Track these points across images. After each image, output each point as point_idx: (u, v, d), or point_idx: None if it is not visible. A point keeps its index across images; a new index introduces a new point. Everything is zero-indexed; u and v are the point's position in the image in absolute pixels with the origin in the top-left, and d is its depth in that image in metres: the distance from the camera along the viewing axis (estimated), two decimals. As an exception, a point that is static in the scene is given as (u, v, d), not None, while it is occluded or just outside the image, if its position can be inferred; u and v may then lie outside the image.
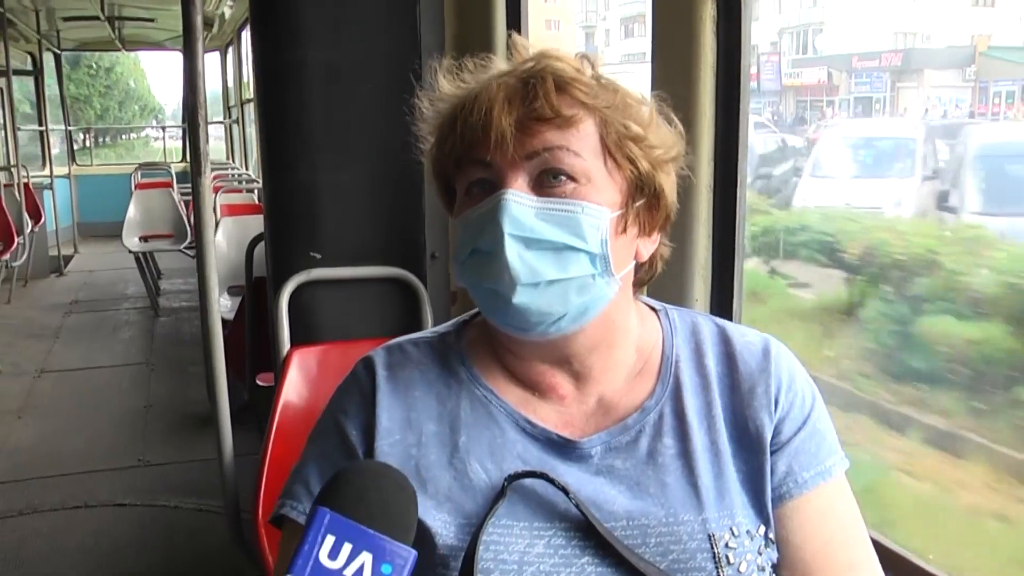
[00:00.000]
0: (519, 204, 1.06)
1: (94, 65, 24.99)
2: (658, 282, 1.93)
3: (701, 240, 1.89)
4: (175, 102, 22.55)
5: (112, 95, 26.18)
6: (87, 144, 15.92)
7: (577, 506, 1.08)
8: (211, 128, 14.17)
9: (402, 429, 1.16)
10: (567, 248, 1.06)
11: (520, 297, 1.06)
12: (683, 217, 1.88)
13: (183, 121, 15.16)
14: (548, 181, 1.07)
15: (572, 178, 1.07)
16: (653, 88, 1.95)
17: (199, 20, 2.42)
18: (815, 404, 1.18)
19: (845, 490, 1.18)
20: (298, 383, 2.55)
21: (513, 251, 1.05)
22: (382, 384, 1.19)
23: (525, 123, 1.07)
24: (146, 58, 24.15)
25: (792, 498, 1.14)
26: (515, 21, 2.79)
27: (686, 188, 1.83)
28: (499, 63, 1.15)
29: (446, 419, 1.17)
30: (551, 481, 1.08)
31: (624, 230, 1.12)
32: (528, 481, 1.10)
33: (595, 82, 1.11)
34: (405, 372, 1.21)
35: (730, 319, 1.83)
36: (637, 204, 1.13)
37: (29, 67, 13.16)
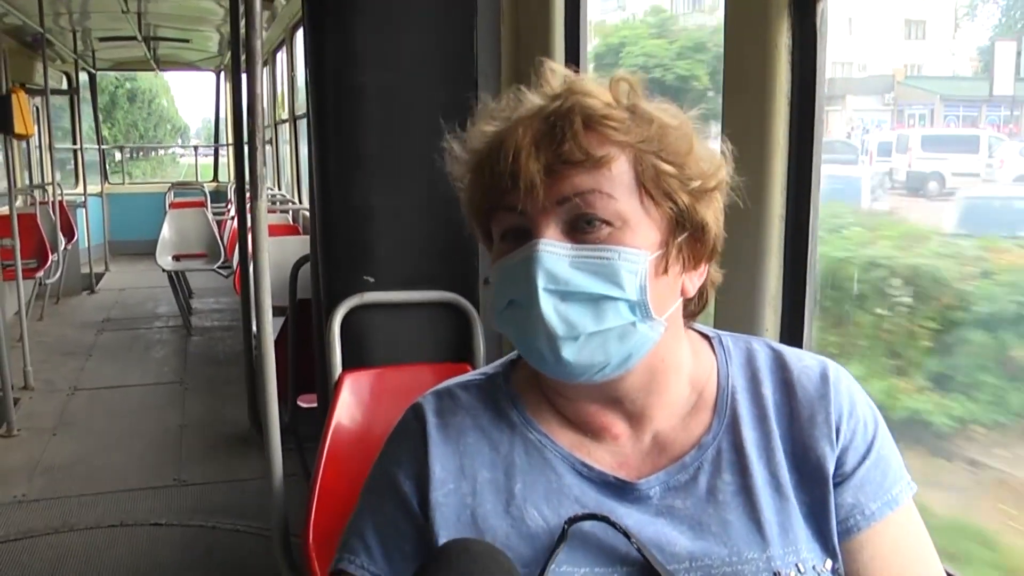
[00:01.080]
0: (552, 255, 1.02)
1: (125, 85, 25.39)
2: (728, 312, 1.94)
3: (772, 270, 1.87)
4: (199, 121, 22.84)
5: (137, 113, 26.54)
6: (120, 161, 16.07)
7: (639, 549, 1.05)
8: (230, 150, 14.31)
9: (456, 478, 1.14)
10: (604, 298, 1.03)
11: (559, 352, 1.03)
12: (754, 246, 1.87)
13: (215, 140, 15.33)
14: (582, 227, 1.04)
15: (606, 222, 1.03)
16: (724, 116, 1.94)
17: (259, 43, 2.42)
18: (878, 430, 1.15)
19: (914, 517, 1.15)
20: (350, 407, 2.54)
21: (549, 306, 1.02)
22: (433, 432, 1.17)
23: (554, 167, 1.03)
24: (170, 78, 24.52)
25: (860, 531, 1.11)
26: (573, 54, 2.78)
27: (758, 217, 1.84)
28: (531, 97, 1.10)
29: (500, 465, 1.15)
30: (612, 524, 1.06)
31: (665, 270, 1.08)
32: (588, 525, 1.08)
33: (628, 115, 1.06)
34: (456, 418, 1.19)
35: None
36: (679, 240, 1.08)
37: (64, 87, 13.29)
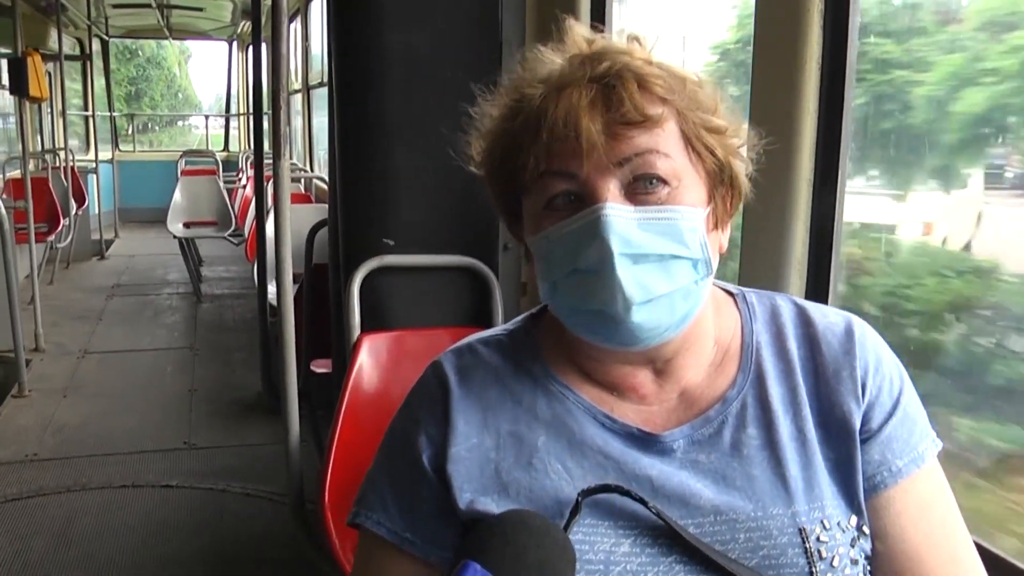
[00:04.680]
0: (621, 218, 1.00)
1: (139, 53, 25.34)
2: (753, 274, 1.95)
3: (799, 234, 1.86)
4: (211, 97, 22.85)
5: (147, 81, 26.59)
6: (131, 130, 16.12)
7: (658, 515, 1.04)
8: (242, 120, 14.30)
9: (479, 432, 1.14)
10: (672, 258, 1.02)
11: (634, 316, 1.01)
12: (781, 210, 1.86)
13: (226, 110, 15.32)
14: (642, 187, 1.02)
15: (665, 181, 1.02)
16: (754, 79, 1.93)
17: (285, 5, 2.41)
18: (904, 386, 1.14)
19: (939, 475, 1.14)
20: (368, 369, 2.54)
21: (625, 271, 0.99)
22: (454, 388, 1.17)
23: (613, 129, 1.01)
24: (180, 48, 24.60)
25: (887, 488, 1.10)
26: (599, 14, 2.77)
27: (785, 180, 1.84)
28: (552, 57, 1.09)
29: (523, 418, 1.14)
30: (627, 493, 1.05)
31: (716, 226, 1.09)
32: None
33: (667, 73, 1.05)
34: (478, 373, 1.18)
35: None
36: (720, 194, 1.09)
37: (77, 52, 13.29)
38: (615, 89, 1.02)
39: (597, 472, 1.10)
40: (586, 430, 1.12)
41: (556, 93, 1.04)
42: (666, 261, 1.02)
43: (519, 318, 1.27)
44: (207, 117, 18.81)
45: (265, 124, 4.16)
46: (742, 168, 1.11)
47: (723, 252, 1.13)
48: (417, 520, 1.15)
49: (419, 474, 1.15)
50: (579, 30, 1.11)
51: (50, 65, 10.51)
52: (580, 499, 1.05)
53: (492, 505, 1.09)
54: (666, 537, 1.05)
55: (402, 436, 1.19)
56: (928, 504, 1.13)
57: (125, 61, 24.89)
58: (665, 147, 1.03)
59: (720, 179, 1.08)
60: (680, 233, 1.02)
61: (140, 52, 25.30)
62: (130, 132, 16.03)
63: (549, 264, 1.06)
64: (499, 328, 1.27)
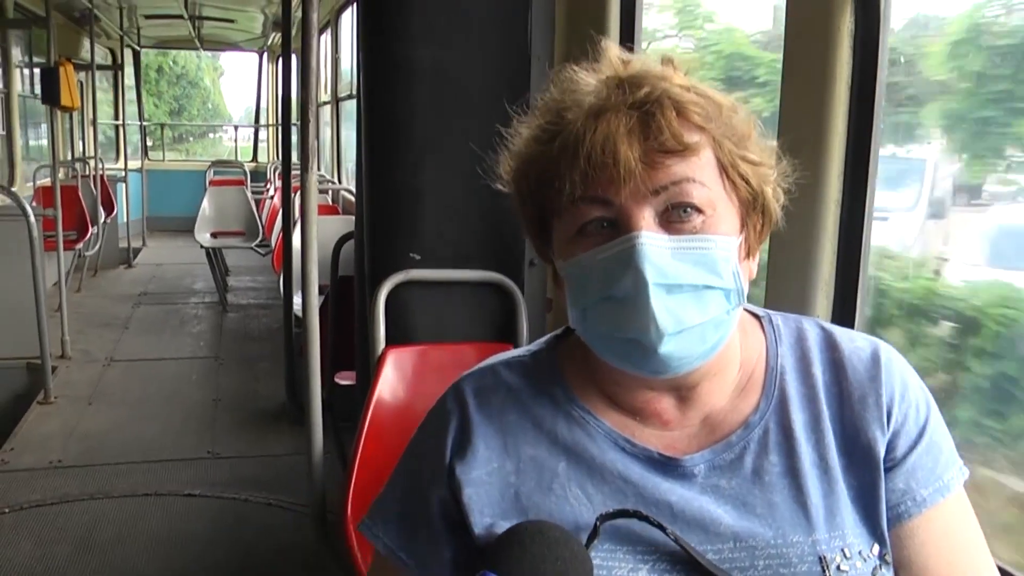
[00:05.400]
0: (655, 247, 0.99)
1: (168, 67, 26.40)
2: (780, 295, 1.93)
3: (826, 255, 1.86)
4: (241, 110, 23.45)
5: (188, 98, 27.81)
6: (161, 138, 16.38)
7: (676, 541, 1.03)
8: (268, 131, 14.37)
9: (500, 456, 1.13)
10: (706, 288, 1.01)
11: (665, 347, 1.00)
12: (809, 230, 1.86)
13: (255, 121, 15.41)
14: (677, 216, 1.01)
15: (699, 210, 1.01)
16: (783, 99, 1.92)
17: (315, 17, 2.43)
18: (930, 414, 1.12)
19: (965, 504, 1.13)
20: (392, 382, 2.54)
21: (659, 301, 0.98)
22: (474, 413, 1.16)
23: (651, 156, 1.00)
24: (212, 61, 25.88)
25: (911, 517, 1.09)
26: (628, 32, 2.77)
27: (813, 201, 1.83)
28: (586, 78, 1.08)
29: (543, 442, 1.13)
30: (646, 518, 1.04)
31: (748, 255, 1.08)
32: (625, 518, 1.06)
33: (704, 99, 1.04)
34: (498, 397, 1.17)
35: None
36: (752, 222, 1.08)
37: (109, 62, 13.41)
38: (654, 116, 1.01)
39: (617, 497, 1.09)
40: (607, 455, 1.11)
41: (595, 118, 1.02)
42: (699, 291, 1.01)
43: (544, 339, 1.26)
44: (236, 128, 18.96)
45: (294, 136, 4.18)
46: (772, 195, 1.09)
47: (752, 278, 1.11)
48: (414, 542, 1.16)
49: (426, 498, 1.15)
50: (614, 51, 1.10)
51: (82, 75, 10.64)
52: (599, 523, 1.04)
53: None
54: (684, 564, 1.04)
55: (416, 459, 1.19)
56: (953, 534, 1.11)
57: (173, 84, 26.91)
58: (701, 175, 1.02)
59: (753, 207, 1.07)
60: (714, 263, 1.01)
61: (185, 75, 27.12)
62: (162, 142, 16.22)
63: (581, 290, 1.05)
64: (524, 349, 1.26)
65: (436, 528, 1.14)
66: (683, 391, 1.12)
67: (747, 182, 1.05)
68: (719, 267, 1.01)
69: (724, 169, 1.04)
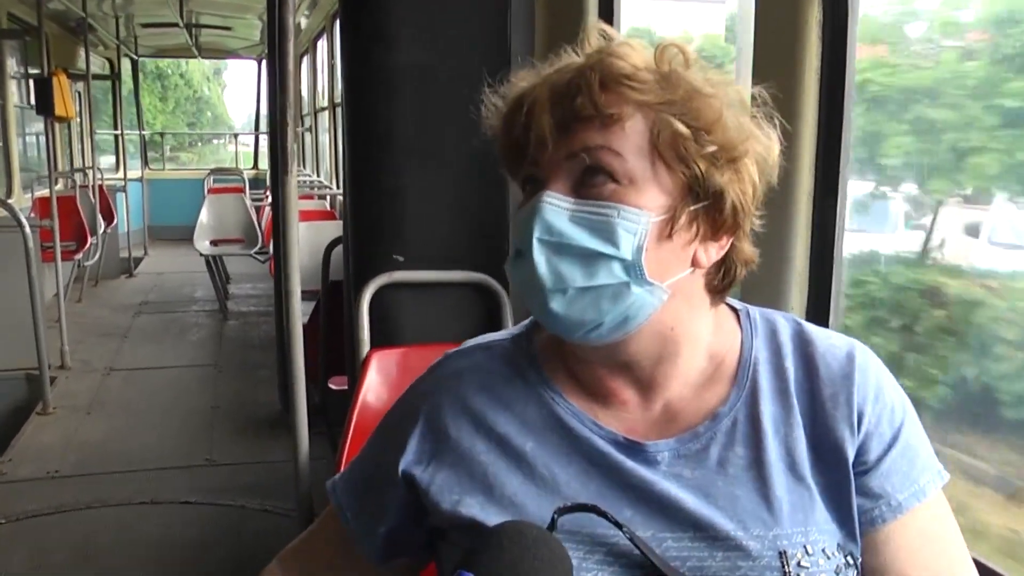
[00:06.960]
0: (553, 207, 1.03)
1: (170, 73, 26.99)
2: (753, 290, 1.92)
3: (799, 249, 1.84)
4: (244, 117, 23.90)
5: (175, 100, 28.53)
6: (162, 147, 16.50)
7: (632, 540, 1.04)
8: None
9: (470, 437, 1.15)
10: (597, 254, 1.02)
11: (549, 303, 1.03)
12: (781, 224, 1.84)
13: (255, 128, 15.42)
14: (589, 181, 1.04)
15: (612, 179, 1.03)
16: (752, 94, 1.92)
17: (291, 20, 2.41)
18: (906, 417, 1.11)
19: (943, 509, 1.12)
20: (377, 385, 2.53)
21: (541, 256, 1.03)
22: (450, 390, 1.19)
23: (566, 123, 1.04)
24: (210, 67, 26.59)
25: (886, 523, 1.08)
26: (607, 16, 2.76)
27: (785, 195, 1.81)
28: (572, 57, 1.10)
29: (513, 423, 1.15)
30: (604, 515, 1.04)
31: (670, 235, 1.05)
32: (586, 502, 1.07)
33: (655, 78, 1.04)
34: (476, 377, 1.20)
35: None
36: (694, 207, 1.05)
37: (106, 72, 13.45)
38: (575, 84, 1.04)
39: (582, 478, 1.10)
40: (574, 436, 1.13)
41: (532, 86, 1.09)
42: (589, 256, 1.02)
43: (526, 321, 1.28)
44: (236, 136, 18.99)
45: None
46: (739, 185, 1.07)
47: (700, 266, 1.10)
48: (362, 513, 1.23)
49: (387, 472, 1.19)
50: (595, 35, 1.12)
51: (80, 85, 10.66)
52: (556, 516, 1.04)
53: (477, 508, 1.11)
54: (639, 559, 1.05)
55: (385, 432, 1.26)
56: (930, 541, 1.10)
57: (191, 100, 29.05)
58: (619, 145, 1.03)
59: (694, 191, 1.06)
60: (612, 232, 1.02)
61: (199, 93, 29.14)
62: (162, 151, 16.33)
63: (511, 243, 1.10)
64: (506, 331, 1.29)
65: (385, 501, 1.20)
66: (635, 371, 1.13)
67: (686, 164, 1.04)
68: (617, 237, 1.02)
69: (657, 146, 1.04)
